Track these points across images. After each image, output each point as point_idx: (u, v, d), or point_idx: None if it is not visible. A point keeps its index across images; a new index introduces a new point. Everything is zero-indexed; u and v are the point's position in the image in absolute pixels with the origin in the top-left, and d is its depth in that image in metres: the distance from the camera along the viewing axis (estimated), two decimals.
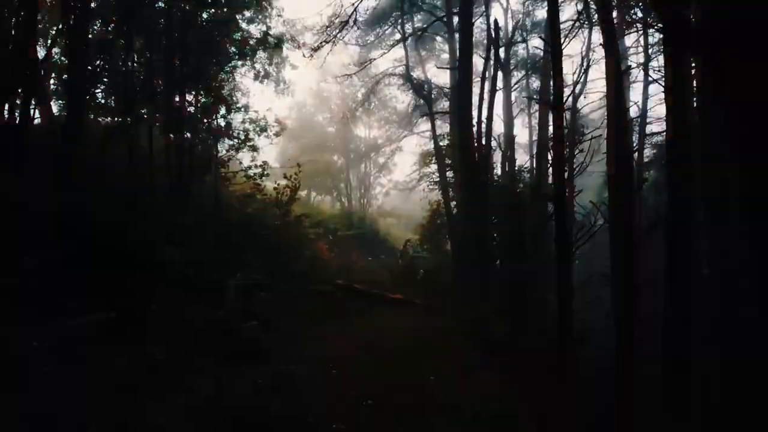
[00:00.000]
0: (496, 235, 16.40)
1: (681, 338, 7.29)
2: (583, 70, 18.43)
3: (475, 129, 12.53)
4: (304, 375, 4.95)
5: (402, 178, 23.84)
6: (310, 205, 23.03)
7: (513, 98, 18.66)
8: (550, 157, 7.22)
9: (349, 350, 6.11)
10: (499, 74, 17.98)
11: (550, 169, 15.06)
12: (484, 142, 12.24)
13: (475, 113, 12.72)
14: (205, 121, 13.08)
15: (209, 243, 10.16)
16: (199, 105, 12.86)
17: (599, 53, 19.16)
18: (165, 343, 5.13)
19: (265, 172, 13.48)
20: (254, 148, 13.54)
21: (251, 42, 13.22)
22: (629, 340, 8.73)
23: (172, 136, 12.40)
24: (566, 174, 6.88)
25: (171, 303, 5.79)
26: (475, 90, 13.42)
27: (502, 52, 17.21)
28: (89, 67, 10.89)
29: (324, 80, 20.67)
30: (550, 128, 20.26)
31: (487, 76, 12.85)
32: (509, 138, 17.12)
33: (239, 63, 13.16)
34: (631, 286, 8.65)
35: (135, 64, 12.42)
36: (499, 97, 19.26)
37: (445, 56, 20.18)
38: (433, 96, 17.03)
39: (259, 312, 6.66)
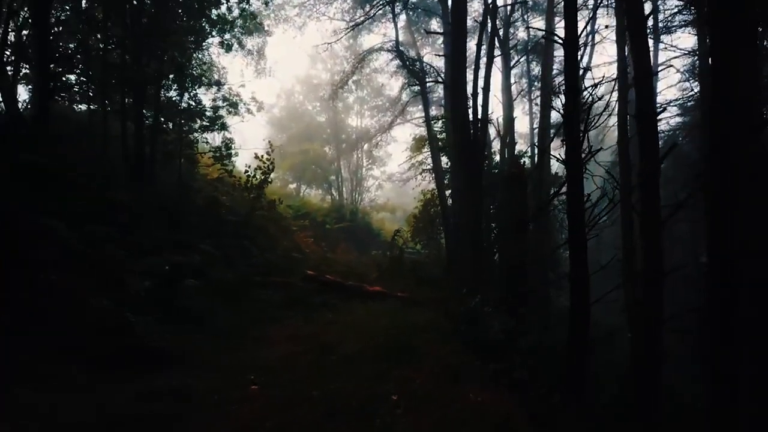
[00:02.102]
0: (494, 225, 14.83)
1: (726, 345, 5.66)
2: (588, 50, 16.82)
3: (470, 104, 10.92)
4: (206, 391, 3.34)
5: (395, 169, 22.26)
6: (298, 198, 21.46)
7: (512, 79, 17.03)
8: (560, 102, 5.58)
9: (294, 354, 4.50)
10: (498, 58, 16.46)
11: (551, 147, 13.41)
12: (480, 115, 10.64)
13: (470, 86, 11.15)
14: (165, 95, 11.54)
15: (160, 225, 8.61)
16: (162, 79, 11.30)
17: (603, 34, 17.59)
18: (20, 344, 3.56)
19: (234, 153, 11.91)
20: (223, 127, 11.94)
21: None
22: (654, 341, 7.11)
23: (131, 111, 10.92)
24: (582, 129, 5.26)
25: (50, 289, 4.20)
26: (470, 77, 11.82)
27: (500, 28, 15.65)
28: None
29: (308, 57, 18.94)
30: (554, 114, 18.60)
31: (483, 41, 11.24)
32: (509, 120, 15.48)
33: (206, 26, 11.56)
34: (658, 275, 7.03)
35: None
36: (498, 79, 17.74)
37: (440, 42, 18.65)
38: (426, 80, 15.41)
39: (185, 303, 5.06)
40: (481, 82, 10.89)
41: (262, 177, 11.66)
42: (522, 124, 22.86)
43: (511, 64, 17.26)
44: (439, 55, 14.42)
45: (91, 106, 11.72)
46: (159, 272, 5.33)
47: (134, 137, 10.80)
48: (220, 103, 12.44)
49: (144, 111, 11.20)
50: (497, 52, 14.70)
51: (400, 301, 7.47)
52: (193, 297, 5.28)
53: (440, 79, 13.72)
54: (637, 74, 6.99)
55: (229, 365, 4.01)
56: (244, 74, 18.78)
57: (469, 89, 11.19)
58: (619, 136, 11.69)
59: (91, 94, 11.48)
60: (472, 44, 14.99)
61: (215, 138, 13.50)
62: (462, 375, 4.30)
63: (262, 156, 11.68)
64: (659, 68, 19.06)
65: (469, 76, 11.84)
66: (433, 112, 18.19)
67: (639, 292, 11.56)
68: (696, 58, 15.61)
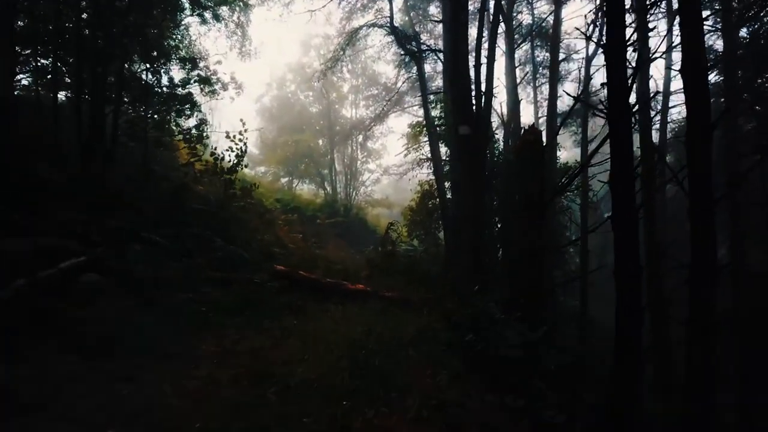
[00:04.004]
0: (497, 219, 13.30)
1: None
2: None
3: (472, 77, 9.38)
4: None
5: (392, 161, 20.74)
6: (288, 192, 19.94)
7: (517, 60, 15.45)
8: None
9: (215, 385, 2.95)
10: (501, 40, 14.94)
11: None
12: (483, 89, 9.09)
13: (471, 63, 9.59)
14: (128, 70, 10.02)
15: (99, 210, 7.08)
16: (124, 48, 9.78)
17: None
18: None
19: (204, 134, 10.38)
20: (194, 105, 10.40)
21: None
22: (707, 353, 5.56)
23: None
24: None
25: None
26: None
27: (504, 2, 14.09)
28: None
29: (300, 44, 17.34)
30: (560, 103, 16.98)
31: (487, 7, 9.72)
32: (513, 105, 13.90)
33: None
34: (711, 271, 5.49)
35: None
36: (501, 63, 16.19)
37: (439, 30, 17.10)
38: (424, 55, 13.86)
39: (76, 309, 3.52)
40: (484, 52, 9.35)
41: (235, 160, 10.14)
42: (526, 114, 21.29)
43: (515, 46, 15.73)
44: (437, 21, 12.85)
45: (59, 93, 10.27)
46: (46, 266, 3.78)
47: (90, 114, 9.33)
48: (192, 81, 10.91)
49: (105, 87, 9.73)
50: (502, 39, 13.24)
51: (386, 303, 5.91)
52: (90, 299, 3.73)
53: (438, 48, 12.18)
54: (685, 20, 5.45)
55: (102, 408, 2.47)
56: (227, 56, 17.02)
57: (470, 64, 9.66)
58: (641, 114, 10.17)
59: (48, 70, 9.99)
60: (473, 31, 13.51)
61: (190, 121, 12.02)
62: (465, 419, 2.76)
63: (234, 136, 10.16)
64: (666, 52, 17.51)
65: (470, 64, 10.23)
66: (431, 99, 16.68)
67: (665, 292, 10.01)
68: (716, 36, 14.04)
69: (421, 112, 17.31)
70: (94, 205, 7.10)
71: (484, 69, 9.30)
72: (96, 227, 5.81)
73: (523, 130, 5.95)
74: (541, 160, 5.33)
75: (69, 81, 9.59)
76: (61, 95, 10.65)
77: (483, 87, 9.13)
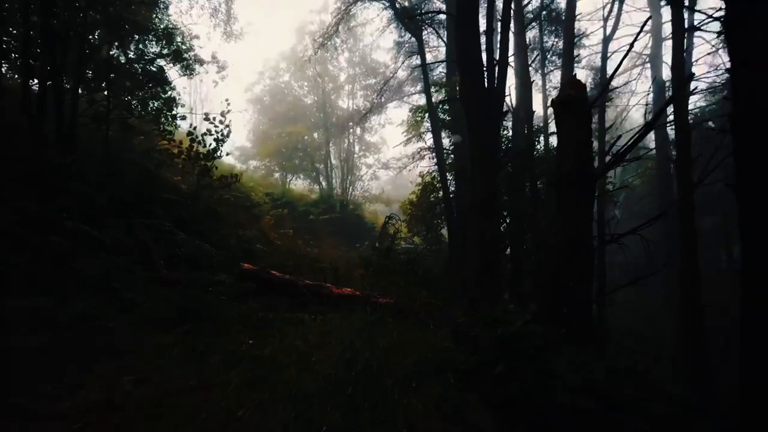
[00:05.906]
0: (506, 213, 11.89)
1: None
2: None
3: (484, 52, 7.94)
4: None
5: (391, 154, 19.26)
6: (279, 186, 18.52)
7: (528, 40, 13.96)
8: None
9: None
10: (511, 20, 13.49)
11: None
12: (497, 56, 7.67)
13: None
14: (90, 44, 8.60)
15: (30, 197, 5.66)
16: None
17: None
18: None
19: (177, 115, 8.94)
20: (163, 82, 8.97)
21: None
22: None
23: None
24: None
25: None
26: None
27: None
28: None
29: (295, 31, 15.85)
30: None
31: None
32: (524, 87, 12.38)
33: None
34: None
35: None
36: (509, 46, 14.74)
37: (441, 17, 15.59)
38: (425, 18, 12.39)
39: None
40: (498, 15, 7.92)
41: (214, 145, 8.73)
42: (534, 103, 19.71)
43: (525, 26, 14.25)
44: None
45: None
46: None
47: (38, 94, 7.95)
48: (165, 55, 9.48)
49: (62, 64, 8.32)
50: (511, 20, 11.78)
51: (380, 311, 4.46)
52: None
53: (443, 11, 10.74)
54: None
55: None
56: (210, 38, 15.35)
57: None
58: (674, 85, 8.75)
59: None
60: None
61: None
62: None
63: (214, 118, 8.74)
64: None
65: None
66: (434, 80, 15.21)
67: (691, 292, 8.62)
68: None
69: (422, 101, 15.91)
70: (34, 192, 5.74)
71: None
72: (5, 215, 4.39)
73: (560, 85, 4.49)
74: (588, 121, 3.90)
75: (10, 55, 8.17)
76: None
77: (496, 52, 7.72)
